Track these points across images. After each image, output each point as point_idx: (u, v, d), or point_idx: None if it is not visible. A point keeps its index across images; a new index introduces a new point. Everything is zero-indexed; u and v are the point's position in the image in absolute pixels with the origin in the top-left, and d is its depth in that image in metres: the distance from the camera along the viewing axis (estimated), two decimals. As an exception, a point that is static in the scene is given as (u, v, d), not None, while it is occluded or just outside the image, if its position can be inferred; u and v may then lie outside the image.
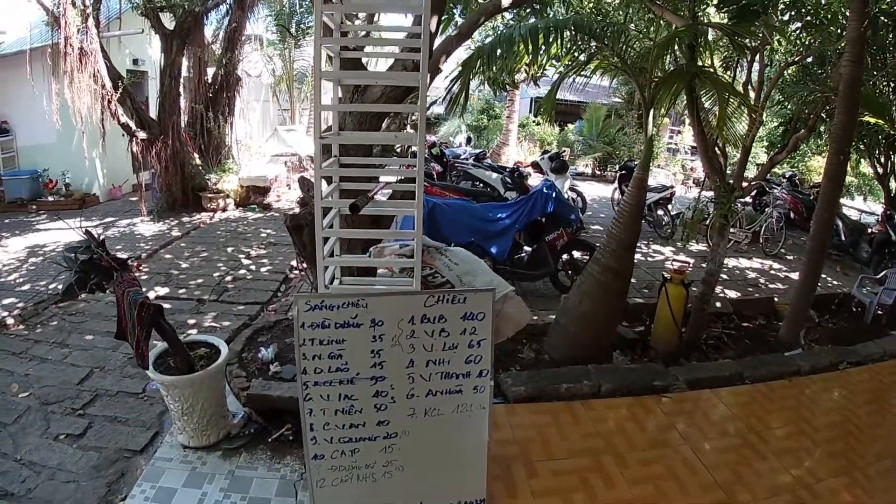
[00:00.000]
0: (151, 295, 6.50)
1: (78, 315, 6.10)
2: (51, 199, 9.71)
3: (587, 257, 6.72)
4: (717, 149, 5.22)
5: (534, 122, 18.29)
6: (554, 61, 7.01)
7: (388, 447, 2.85)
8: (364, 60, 4.22)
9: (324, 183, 3.03)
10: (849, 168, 8.78)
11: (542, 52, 4.62)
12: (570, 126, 17.90)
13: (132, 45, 9.96)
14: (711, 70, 5.20)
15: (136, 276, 3.65)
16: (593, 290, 4.60)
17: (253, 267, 7.56)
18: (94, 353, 5.25)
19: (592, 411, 4.05)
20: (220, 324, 5.88)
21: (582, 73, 7.39)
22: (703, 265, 6.18)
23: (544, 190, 6.35)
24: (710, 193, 10.11)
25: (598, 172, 15.81)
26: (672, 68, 5.11)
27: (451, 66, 4.75)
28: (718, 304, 5.87)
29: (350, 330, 2.67)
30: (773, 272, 8.41)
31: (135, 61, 10.25)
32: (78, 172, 9.91)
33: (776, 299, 6.46)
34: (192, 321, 5.90)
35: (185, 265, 7.60)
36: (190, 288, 6.85)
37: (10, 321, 5.57)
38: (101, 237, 3.62)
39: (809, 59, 7.20)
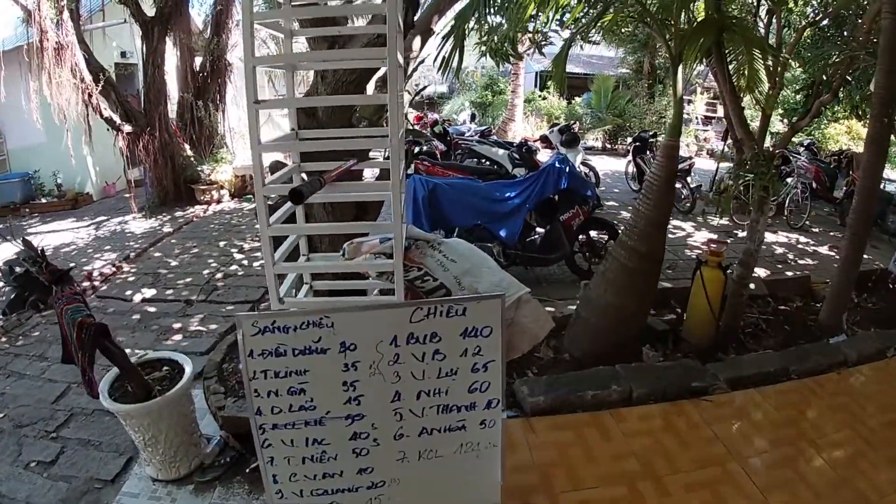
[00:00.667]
0: (137, 297, 5.93)
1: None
2: (44, 200, 9.12)
3: (606, 237, 5.95)
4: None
5: (539, 96, 17.21)
6: (557, 27, 6.19)
7: (375, 498, 2.18)
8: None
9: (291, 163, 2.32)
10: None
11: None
12: (578, 99, 16.84)
13: (119, 37, 9.23)
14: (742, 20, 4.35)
15: (79, 291, 2.99)
16: (619, 277, 3.85)
17: (245, 262, 6.92)
18: (73, 367, 4.74)
19: (623, 423, 3.34)
20: (206, 327, 5.30)
21: (594, 30, 6.59)
22: (729, 240, 5.40)
23: (556, 164, 5.54)
24: (728, 164, 9.30)
25: (609, 146, 14.80)
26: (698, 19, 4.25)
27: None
28: (752, 286, 5.08)
29: (313, 358, 1.97)
30: (800, 246, 7.58)
31: (122, 54, 9.52)
32: (69, 172, 9.28)
33: (811, 278, 5.66)
34: (177, 325, 5.32)
35: (174, 263, 6.99)
36: (178, 288, 6.27)
37: None
38: (41, 248, 3.03)
39: (826, 22, 6.41)
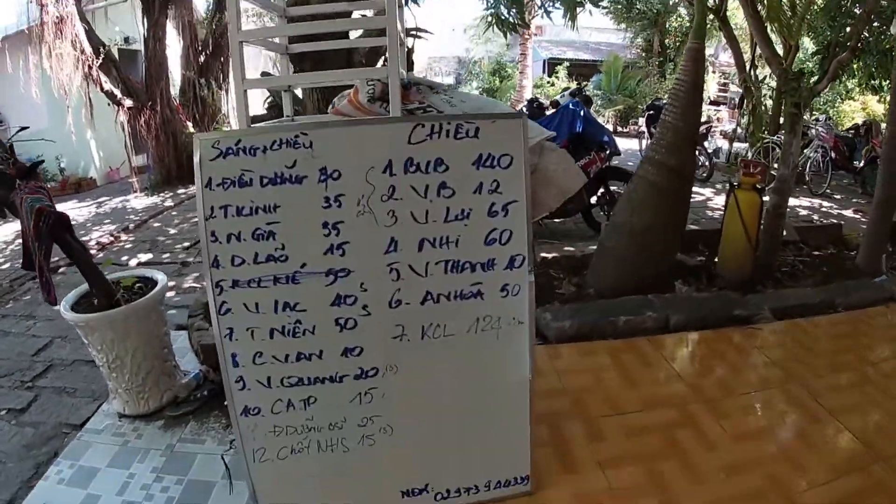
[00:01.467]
0: (133, 262, 5.48)
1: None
2: (49, 185, 8.70)
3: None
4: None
5: (548, 82, 16.73)
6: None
7: (365, 393, 1.63)
8: None
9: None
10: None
11: None
12: (588, 82, 16.30)
13: (122, 22, 8.88)
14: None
15: (44, 186, 2.52)
16: (648, 196, 3.30)
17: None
18: (60, 322, 4.47)
19: (664, 349, 2.79)
20: (200, 284, 4.85)
21: None
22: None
23: (570, 106, 5.02)
24: (744, 145, 8.77)
25: (620, 128, 14.20)
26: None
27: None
28: (784, 232, 4.52)
29: (286, 188, 1.45)
30: (824, 210, 7.05)
31: (126, 39, 9.16)
32: (73, 156, 8.85)
33: (843, 227, 5.09)
34: (171, 283, 4.82)
35: (173, 231, 6.57)
36: (175, 252, 5.86)
37: None
38: (8, 143, 2.58)
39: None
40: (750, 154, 7.33)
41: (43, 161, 2.54)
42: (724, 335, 2.96)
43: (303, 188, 1.45)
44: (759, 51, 4.36)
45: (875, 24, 5.62)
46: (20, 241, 6.87)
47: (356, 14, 2.52)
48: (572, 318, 2.85)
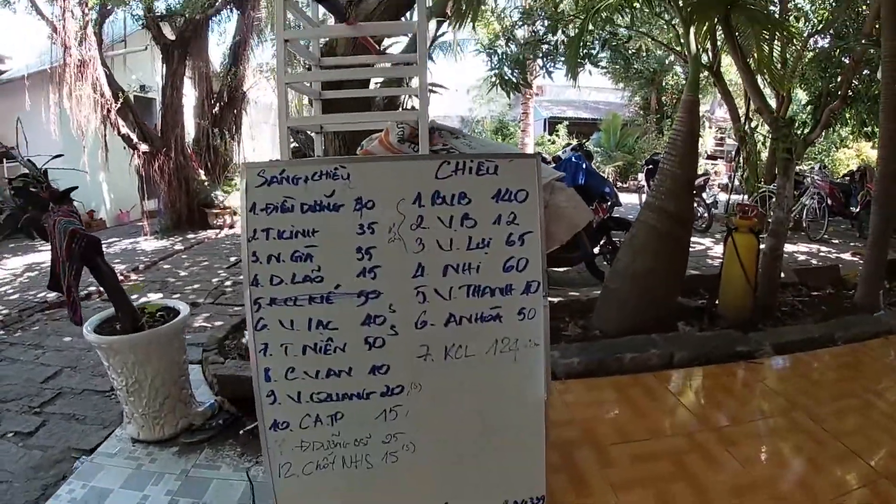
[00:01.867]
0: (142, 301, 5.57)
1: (62, 320, 5.34)
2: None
3: None
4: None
5: (549, 140, 17.33)
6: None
7: (390, 410, 1.72)
8: None
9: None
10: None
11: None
12: (588, 140, 16.86)
13: (139, 70, 9.34)
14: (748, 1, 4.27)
15: (76, 211, 2.67)
16: (649, 241, 3.47)
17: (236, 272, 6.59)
18: (69, 353, 4.53)
19: (669, 383, 2.91)
20: (211, 323, 4.92)
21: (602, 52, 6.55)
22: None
23: (572, 159, 5.27)
24: (742, 196, 9.08)
25: (620, 183, 14.60)
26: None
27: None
28: (783, 275, 4.68)
29: (324, 215, 1.61)
30: (822, 254, 7.22)
31: (142, 87, 9.60)
32: (84, 196, 9.05)
33: (840, 268, 5.25)
34: (182, 321, 4.90)
35: (183, 273, 6.67)
36: (185, 293, 5.93)
37: None
38: (44, 168, 2.74)
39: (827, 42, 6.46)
40: (747, 202, 7.58)
41: (76, 187, 2.70)
42: (727, 369, 3.08)
43: (339, 215, 1.61)
44: (753, 103, 4.66)
45: (865, 71, 5.98)
46: (29, 273, 7.00)
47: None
48: (580, 355, 2.96)
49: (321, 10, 2.24)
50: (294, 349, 1.64)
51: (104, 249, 2.78)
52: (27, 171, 2.72)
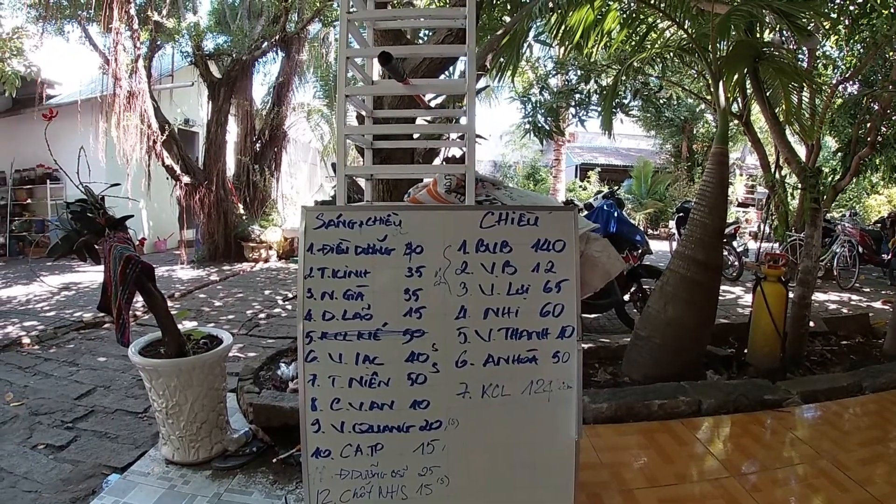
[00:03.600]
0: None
1: (97, 340, 5.57)
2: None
3: None
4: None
5: (580, 186, 17.52)
6: (597, 95, 6.38)
7: (428, 444, 1.83)
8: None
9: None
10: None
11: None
12: (619, 186, 16.99)
13: (184, 105, 9.91)
14: (775, 53, 4.41)
15: (131, 238, 2.88)
16: (679, 290, 3.54)
17: (290, 307, 6.76)
18: (103, 373, 4.68)
19: (697, 430, 2.95)
20: (245, 354, 5.08)
21: (627, 107, 6.76)
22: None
23: (604, 207, 5.39)
24: (772, 245, 9.06)
25: (651, 230, 14.63)
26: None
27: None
28: (812, 324, 4.68)
29: (376, 258, 1.76)
30: (853, 303, 7.13)
31: (186, 121, 10.15)
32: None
33: (870, 317, 5.21)
34: (214, 351, 5.09)
35: (218, 303, 6.89)
36: (220, 323, 6.12)
37: (25, 340, 5.12)
38: (101, 195, 2.97)
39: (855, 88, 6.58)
40: (777, 250, 7.57)
41: (132, 216, 2.91)
42: (754, 418, 3.10)
43: (390, 258, 1.76)
44: (781, 153, 4.77)
45: (895, 117, 6.03)
46: (66, 292, 7.31)
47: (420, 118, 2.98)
48: (609, 401, 3.01)
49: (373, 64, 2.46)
50: (341, 381, 1.77)
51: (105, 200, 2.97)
52: (85, 196, 2.94)
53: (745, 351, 4.00)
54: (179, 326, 2.84)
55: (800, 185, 4.50)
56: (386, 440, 1.80)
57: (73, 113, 8.03)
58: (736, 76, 4.30)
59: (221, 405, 2.88)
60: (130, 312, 2.71)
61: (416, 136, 2.96)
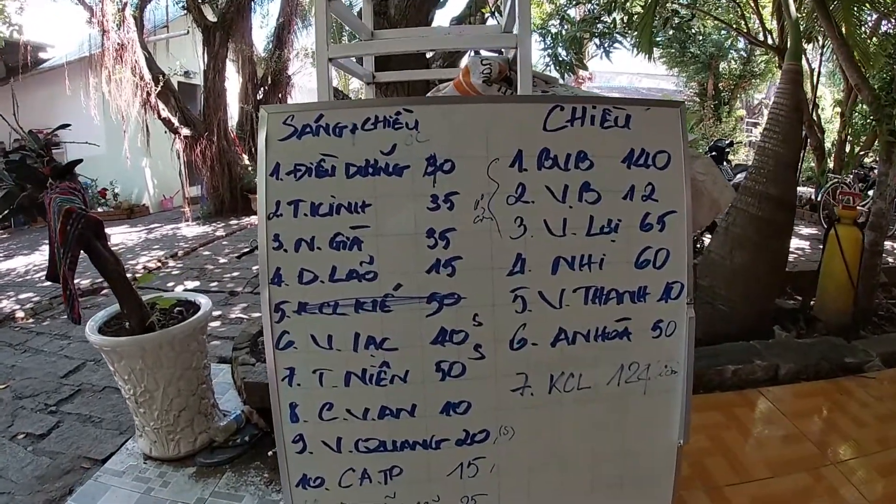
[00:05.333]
0: (178, 289, 5.15)
1: (94, 309, 4.92)
2: (100, 210, 8.59)
3: (707, 238, 4.82)
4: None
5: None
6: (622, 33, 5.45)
7: (469, 464, 1.15)
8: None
9: None
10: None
11: None
12: None
13: (182, 56, 8.98)
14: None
15: (81, 188, 2.16)
16: (749, 231, 2.82)
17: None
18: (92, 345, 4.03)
19: (779, 402, 2.33)
20: (248, 315, 4.46)
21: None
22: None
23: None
24: (805, 189, 8.21)
25: None
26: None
27: None
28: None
29: (380, 181, 1.04)
30: (896, 252, 6.33)
31: (186, 73, 9.24)
32: (127, 183, 8.87)
33: None
34: (216, 313, 4.49)
35: (223, 260, 6.26)
36: (223, 281, 5.51)
37: (20, 314, 4.56)
38: (50, 137, 2.27)
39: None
40: (818, 196, 6.71)
41: (81, 160, 2.19)
42: (838, 385, 2.49)
43: (403, 182, 1.03)
44: (850, 80, 3.93)
45: None
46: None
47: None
48: (673, 366, 2.34)
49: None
50: (333, 378, 1.08)
51: (135, 235, 2.28)
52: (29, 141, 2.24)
53: (812, 303, 3.29)
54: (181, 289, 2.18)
55: (873, 117, 3.69)
56: (406, 461, 1.12)
57: (65, 75, 7.25)
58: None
59: (204, 387, 2.24)
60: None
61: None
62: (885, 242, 6.42)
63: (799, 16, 3.28)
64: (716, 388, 2.36)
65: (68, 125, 2.59)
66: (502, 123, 1.05)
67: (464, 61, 1.34)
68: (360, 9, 1.76)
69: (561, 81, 1.51)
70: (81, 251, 2.02)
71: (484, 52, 1.44)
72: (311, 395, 1.08)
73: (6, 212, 2.29)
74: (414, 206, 1.04)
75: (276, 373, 1.07)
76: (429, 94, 1.50)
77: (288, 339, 1.07)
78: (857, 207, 3.26)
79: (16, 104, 2.48)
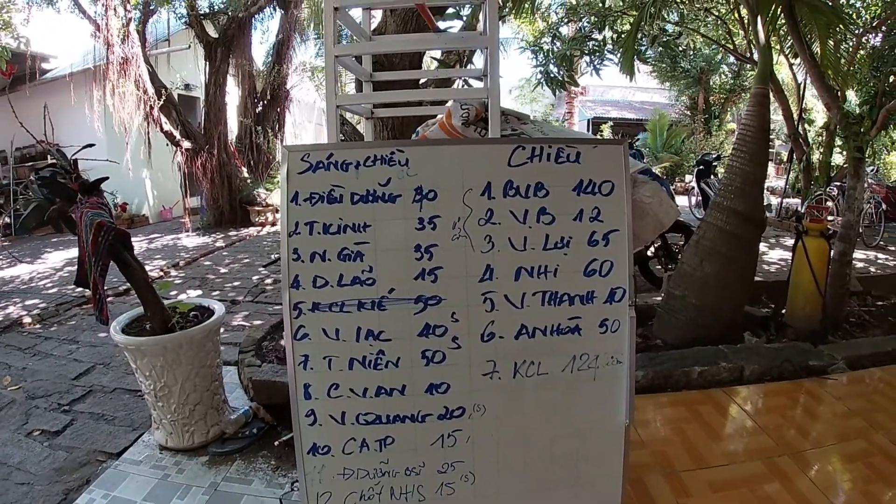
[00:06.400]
0: (181, 297, 5.43)
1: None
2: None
3: (682, 241, 5.14)
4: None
5: (592, 141, 16.70)
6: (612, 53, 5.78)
7: (448, 435, 1.45)
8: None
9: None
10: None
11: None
12: (635, 141, 16.07)
13: (183, 70, 9.33)
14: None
15: (107, 203, 2.47)
16: (717, 244, 3.12)
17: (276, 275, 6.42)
18: (103, 349, 4.38)
19: (742, 400, 2.61)
20: (250, 322, 4.73)
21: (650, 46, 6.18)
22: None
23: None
24: (793, 200, 8.51)
25: None
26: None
27: None
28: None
29: (378, 207, 1.35)
30: (880, 262, 6.68)
31: (186, 86, 9.59)
32: (128, 194, 9.18)
33: None
34: (221, 319, 4.75)
35: (223, 270, 6.54)
36: (225, 290, 5.79)
37: (27, 320, 4.81)
38: (73, 157, 2.57)
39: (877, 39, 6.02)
40: (801, 208, 7.06)
41: (107, 178, 2.50)
42: (800, 386, 2.76)
43: (396, 207, 1.34)
44: (821, 99, 4.26)
45: None
46: (69, 267, 6.91)
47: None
48: (645, 368, 2.63)
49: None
50: (339, 363, 1.38)
51: (135, 244, 2.58)
52: (56, 160, 2.55)
53: (783, 311, 3.59)
54: (184, 297, 2.47)
55: (843, 134, 4.02)
56: (397, 432, 1.42)
57: (70, 86, 7.56)
58: (771, 12, 3.79)
59: (216, 384, 2.53)
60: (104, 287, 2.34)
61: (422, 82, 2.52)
62: (871, 252, 6.75)
63: (768, 39, 3.58)
64: (682, 387, 2.64)
65: (93, 145, 2.90)
66: (475, 161, 1.36)
67: (448, 104, 1.65)
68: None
69: (532, 118, 1.81)
70: (111, 260, 2.32)
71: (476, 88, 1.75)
72: (321, 377, 1.38)
73: (36, 224, 2.61)
74: (405, 226, 1.35)
75: (293, 359, 1.37)
76: (419, 128, 1.81)
77: (304, 332, 1.37)
78: (825, 220, 3.56)
79: (49, 122, 2.78)
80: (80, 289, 5.49)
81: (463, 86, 3.29)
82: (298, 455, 1.43)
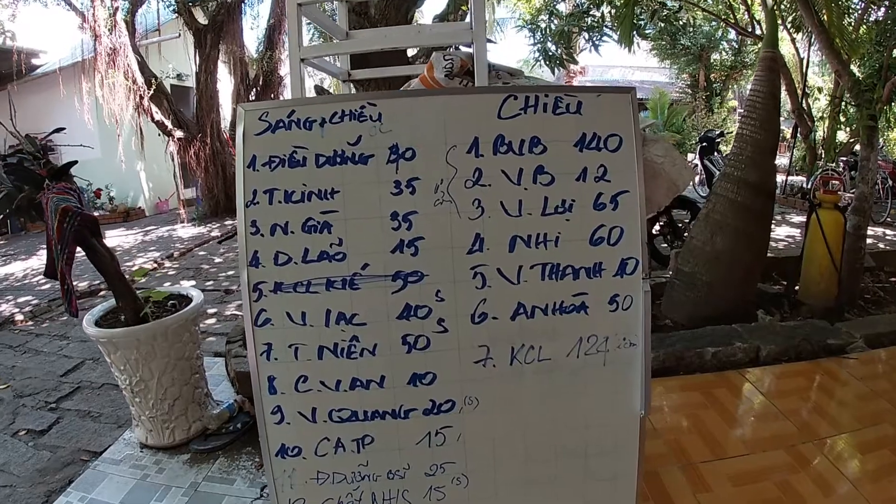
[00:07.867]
0: (174, 289, 5.28)
1: (91, 309, 5.03)
2: (96, 213, 8.74)
3: (689, 218, 4.91)
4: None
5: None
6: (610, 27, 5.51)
7: (436, 433, 1.24)
8: None
9: None
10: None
11: None
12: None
13: (175, 60, 9.06)
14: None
15: (77, 188, 2.27)
16: (728, 217, 2.90)
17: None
18: (92, 344, 4.20)
19: (760, 383, 2.41)
20: (242, 312, 4.51)
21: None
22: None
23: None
24: (796, 178, 8.25)
25: None
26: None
27: None
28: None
29: (347, 170, 1.13)
30: (889, 238, 6.47)
31: (178, 76, 9.33)
32: (122, 186, 8.99)
33: None
34: (212, 310, 4.62)
35: (218, 260, 6.39)
36: (218, 280, 5.64)
37: (18, 317, 4.67)
38: (45, 141, 2.38)
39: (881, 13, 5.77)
40: (807, 184, 6.81)
41: (76, 162, 2.30)
42: (819, 366, 2.56)
43: (368, 170, 1.13)
44: (831, 66, 4.02)
45: None
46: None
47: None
48: (656, 349, 2.42)
49: None
50: (307, 351, 1.18)
51: (131, 237, 2.38)
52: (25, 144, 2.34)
53: (797, 288, 3.38)
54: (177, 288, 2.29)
55: (854, 102, 3.78)
56: (377, 430, 1.22)
57: (59, 80, 7.33)
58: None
59: (197, 377, 2.34)
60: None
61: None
62: (879, 229, 6.52)
63: (776, 4, 3.34)
64: (696, 370, 2.45)
65: (63, 129, 2.69)
66: (459, 113, 1.14)
67: (431, 57, 1.43)
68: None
69: (526, 74, 1.59)
70: (78, 248, 2.13)
71: (464, 49, 1.53)
72: (287, 369, 1.18)
73: (6, 212, 2.42)
74: (378, 191, 1.14)
75: (255, 348, 1.17)
76: (401, 89, 1.59)
77: (265, 316, 1.17)
78: (839, 192, 3.34)
79: (13, 109, 2.59)
80: (82, 283, 5.39)
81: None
82: (266, 458, 1.23)
